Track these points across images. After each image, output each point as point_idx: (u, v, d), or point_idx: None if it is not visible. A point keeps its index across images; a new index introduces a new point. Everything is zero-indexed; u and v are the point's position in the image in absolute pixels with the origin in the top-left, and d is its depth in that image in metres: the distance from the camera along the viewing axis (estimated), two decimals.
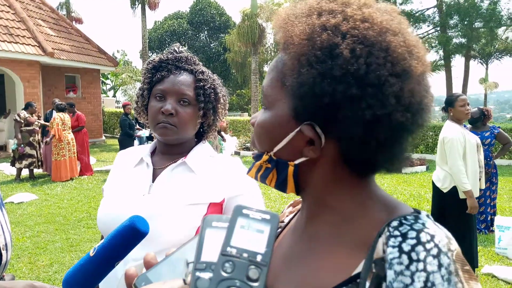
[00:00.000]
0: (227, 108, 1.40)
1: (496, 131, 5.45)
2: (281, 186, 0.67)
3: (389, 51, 0.56)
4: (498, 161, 7.03)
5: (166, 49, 1.37)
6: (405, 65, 0.57)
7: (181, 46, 1.37)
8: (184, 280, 0.46)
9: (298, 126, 0.61)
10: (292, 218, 0.78)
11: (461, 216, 3.74)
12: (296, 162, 0.64)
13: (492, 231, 5.03)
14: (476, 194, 3.83)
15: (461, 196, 3.72)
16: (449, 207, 3.82)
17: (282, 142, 0.63)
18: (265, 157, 0.66)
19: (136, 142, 9.92)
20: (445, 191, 3.83)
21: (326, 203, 0.65)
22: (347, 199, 0.64)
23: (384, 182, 8.95)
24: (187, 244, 0.52)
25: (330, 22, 0.58)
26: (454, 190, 3.76)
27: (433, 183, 4.01)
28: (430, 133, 12.67)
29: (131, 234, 0.64)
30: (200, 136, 1.38)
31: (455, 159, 3.68)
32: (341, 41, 0.56)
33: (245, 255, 0.42)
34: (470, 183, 3.72)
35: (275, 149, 0.65)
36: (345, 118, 0.56)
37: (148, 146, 1.36)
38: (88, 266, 0.63)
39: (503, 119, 48.47)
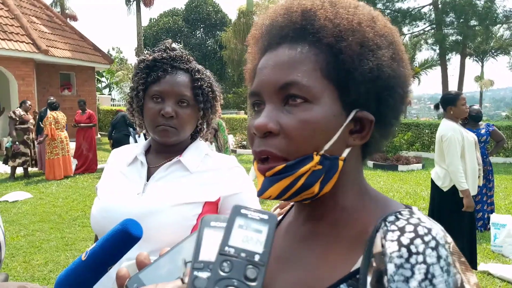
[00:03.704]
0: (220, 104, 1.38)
1: (491, 128, 5.49)
2: (322, 189, 0.61)
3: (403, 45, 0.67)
4: (493, 159, 7.06)
5: (158, 45, 1.31)
6: None
7: (173, 43, 1.32)
8: (182, 280, 0.46)
9: (347, 115, 0.61)
10: (281, 220, 0.77)
11: (460, 215, 3.72)
12: (344, 155, 0.62)
13: (489, 229, 5.04)
14: (474, 192, 3.82)
15: (461, 194, 3.70)
16: (448, 206, 3.80)
17: (335, 135, 0.60)
18: (317, 158, 0.59)
19: (132, 140, 9.87)
20: (445, 189, 3.80)
21: (333, 200, 0.64)
22: (351, 193, 0.65)
23: (380, 180, 8.98)
24: (180, 244, 0.52)
25: (372, 14, 0.64)
26: (454, 188, 3.74)
27: (432, 181, 3.98)
28: (426, 131, 12.69)
29: (123, 239, 0.61)
30: (195, 134, 1.36)
31: (453, 157, 3.66)
32: (389, 30, 0.63)
33: (243, 254, 0.42)
34: (470, 180, 3.71)
35: (327, 145, 0.59)
36: (401, 97, 0.62)
37: (142, 145, 1.34)
38: (80, 270, 0.61)
39: (499, 117, 48.65)
